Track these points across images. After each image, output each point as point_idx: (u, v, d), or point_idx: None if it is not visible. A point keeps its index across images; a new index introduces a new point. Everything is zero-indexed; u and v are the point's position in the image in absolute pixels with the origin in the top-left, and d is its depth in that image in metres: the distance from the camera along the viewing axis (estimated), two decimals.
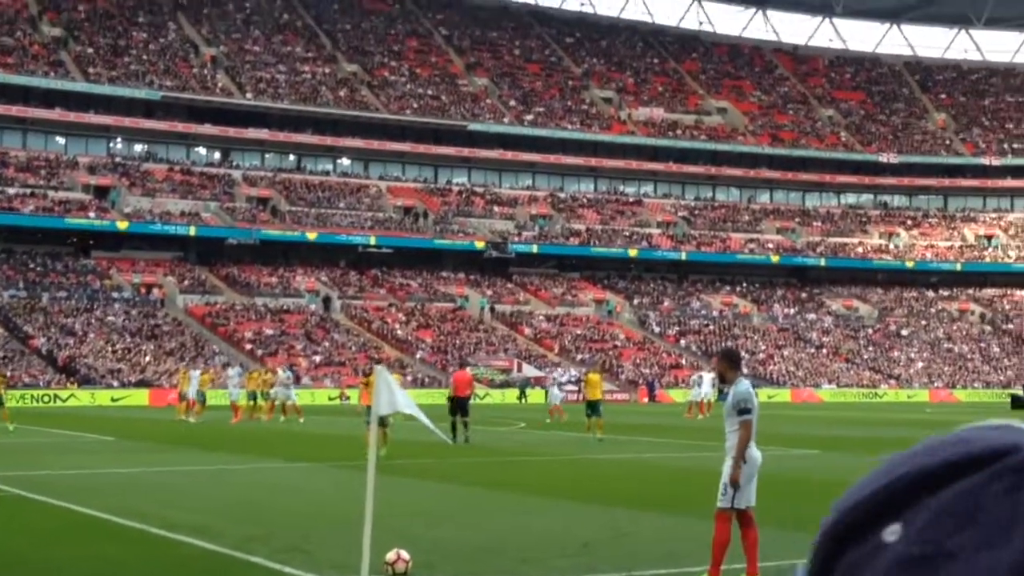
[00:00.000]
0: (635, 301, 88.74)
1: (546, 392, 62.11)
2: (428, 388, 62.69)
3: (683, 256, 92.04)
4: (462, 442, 26.49)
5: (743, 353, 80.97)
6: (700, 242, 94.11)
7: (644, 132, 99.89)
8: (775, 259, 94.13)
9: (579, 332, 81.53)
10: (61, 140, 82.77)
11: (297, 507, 15.79)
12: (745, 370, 10.31)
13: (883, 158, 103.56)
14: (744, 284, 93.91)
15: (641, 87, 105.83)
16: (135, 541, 12.53)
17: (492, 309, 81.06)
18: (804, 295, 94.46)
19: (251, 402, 40.34)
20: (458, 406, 27.85)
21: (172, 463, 22.64)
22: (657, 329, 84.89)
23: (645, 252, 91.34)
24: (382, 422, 33.76)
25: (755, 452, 9.95)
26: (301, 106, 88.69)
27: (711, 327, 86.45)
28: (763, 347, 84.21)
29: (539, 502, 15.87)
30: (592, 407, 30.49)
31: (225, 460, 23.39)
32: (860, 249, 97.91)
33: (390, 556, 10.16)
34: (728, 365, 10.35)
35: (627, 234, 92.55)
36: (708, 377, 36.21)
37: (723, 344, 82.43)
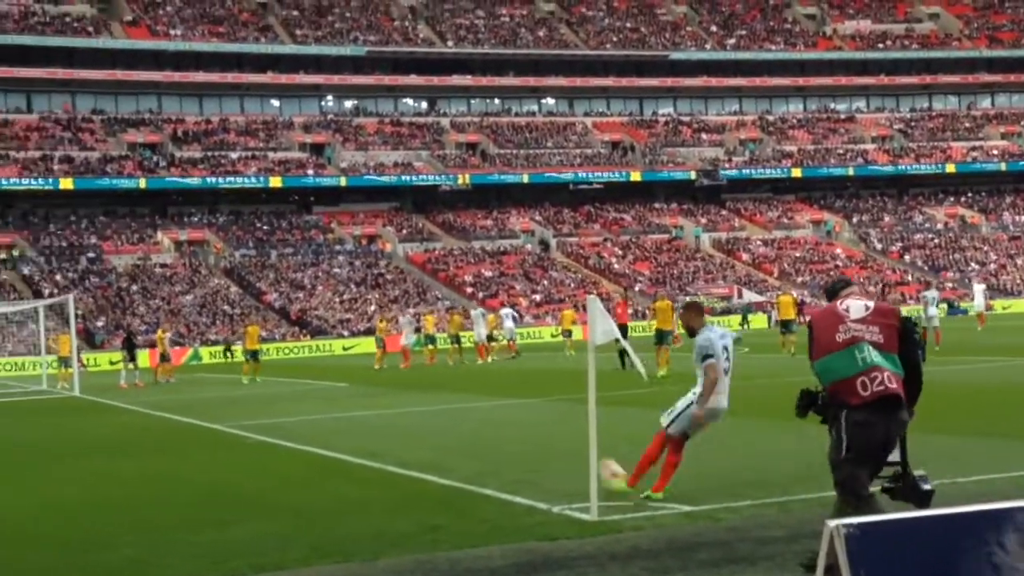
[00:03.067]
0: (854, 219, 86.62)
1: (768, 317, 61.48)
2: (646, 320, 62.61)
3: (903, 170, 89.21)
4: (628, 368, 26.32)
5: (973, 264, 78.42)
6: (919, 154, 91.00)
7: (852, 46, 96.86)
8: (1002, 166, 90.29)
9: (798, 255, 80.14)
10: (276, 102, 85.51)
11: (524, 441, 16.14)
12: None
13: None
14: (969, 194, 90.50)
15: (846, 0, 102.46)
16: (372, 480, 13.05)
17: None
18: None
19: (454, 344, 40.44)
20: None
21: (401, 405, 23.38)
22: (879, 246, 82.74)
23: (861, 169, 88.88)
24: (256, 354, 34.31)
25: (722, 401, 10.48)
26: (502, 49, 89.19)
27: (936, 240, 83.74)
28: (994, 257, 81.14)
29: (763, 424, 15.83)
30: (785, 326, 32.94)
31: (452, 400, 24.02)
32: None
33: (607, 471, 10.37)
34: (694, 315, 10.88)
35: (841, 152, 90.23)
36: (932, 295, 33.87)
37: (950, 257, 79.84)
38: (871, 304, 7.41)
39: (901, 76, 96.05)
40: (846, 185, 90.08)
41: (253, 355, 35.81)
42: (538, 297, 70.24)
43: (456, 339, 40.76)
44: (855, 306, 7.42)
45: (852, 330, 7.25)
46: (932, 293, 34.31)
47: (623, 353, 27.46)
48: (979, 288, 44.70)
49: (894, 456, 7.36)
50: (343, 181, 78.93)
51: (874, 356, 7.17)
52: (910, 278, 76.74)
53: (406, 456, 14.63)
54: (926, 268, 79.08)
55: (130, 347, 37.81)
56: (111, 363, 51.25)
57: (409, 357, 39.25)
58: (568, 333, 43.38)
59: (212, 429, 20.40)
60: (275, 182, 77.36)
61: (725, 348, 10.46)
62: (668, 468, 10.63)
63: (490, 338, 41.74)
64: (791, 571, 7.58)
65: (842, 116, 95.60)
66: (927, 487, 7.36)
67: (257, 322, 46.21)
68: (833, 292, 7.88)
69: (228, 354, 54.75)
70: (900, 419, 7.24)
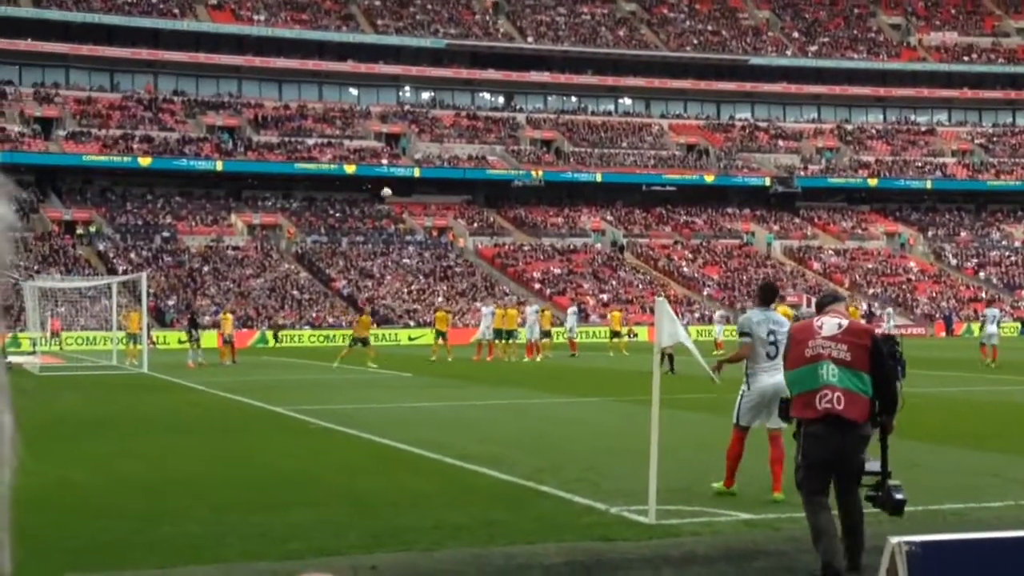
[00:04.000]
0: (929, 233, 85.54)
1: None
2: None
3: (982, 185, 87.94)
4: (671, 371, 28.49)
5: None
6: (999, 170, 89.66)
7: (936, 58, 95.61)
8: None
9: (870, 266, 79.30)
10: (354, 91, 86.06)
11: (585, 440, 16.13)
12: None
13: None
14: None
15: (932, 11, 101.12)
16: (433, 471, 13.11)
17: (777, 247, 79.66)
18: None
19: (507, 339, 40.02)
20: None
21: (465, 398, 23.46)
22: (954, 261, 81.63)
23: (939, 182, 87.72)
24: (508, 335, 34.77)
25: (766, 380, 10.74)
26: (581, 47, 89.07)
27: (1012, 258, 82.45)
28: None
29: None
30: None
31: (515, 395, 24.06)
32: None
33: None
34: (757, 295, 11.61)
35: (919, 164, 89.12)
36: (993, 314, 33.91)
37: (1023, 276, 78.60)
38: (844, 323, 7.97)
39: (985, 90, 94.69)
40: (923, 198, 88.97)
41: (363, 342, 36.81)
42: (606, 297, 70.11)
43: (510, 334, 40.54)
44: (828, 324, 7.98)
45: (819, 347, 7.83)
46: (993, 311, 34.80)
47: (670, 356, 28.60)
48: (993, 313, 43.07)
49: (874, 467, 7.88)
50: (417, 172, 79.25)
51: (834, 374, 7.73)
52: (984, 295, 75.60)
53: (467, 449, 14.68)
54: (1001, 285, 77.88)
55: (194, 327, 38.39)
56: (180, 342, 51.90)
57: (489, 349, 39.35)
58: (616, 334, 43.20)
59: (275, 412, 20.60)
60: (349, 170, 77.86)
61: (771, 332, 10.79)
62: (774, 464, 10.88)
63: (546, 334, 41.38)
64: None
65: (922, 128, 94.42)
66: (900, 496, 7.87)
67: (327, 308, 46.15)
68: (820, 306, 8.42)
69: (276, 338, 56.40)
70: (855, 435, 7.74)
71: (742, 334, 10.97)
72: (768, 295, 11.32)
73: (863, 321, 32.99)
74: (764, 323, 10.89)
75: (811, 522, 8.00)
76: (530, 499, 11.03)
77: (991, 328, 32.76)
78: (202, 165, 75.57)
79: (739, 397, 11.07)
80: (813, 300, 67.92)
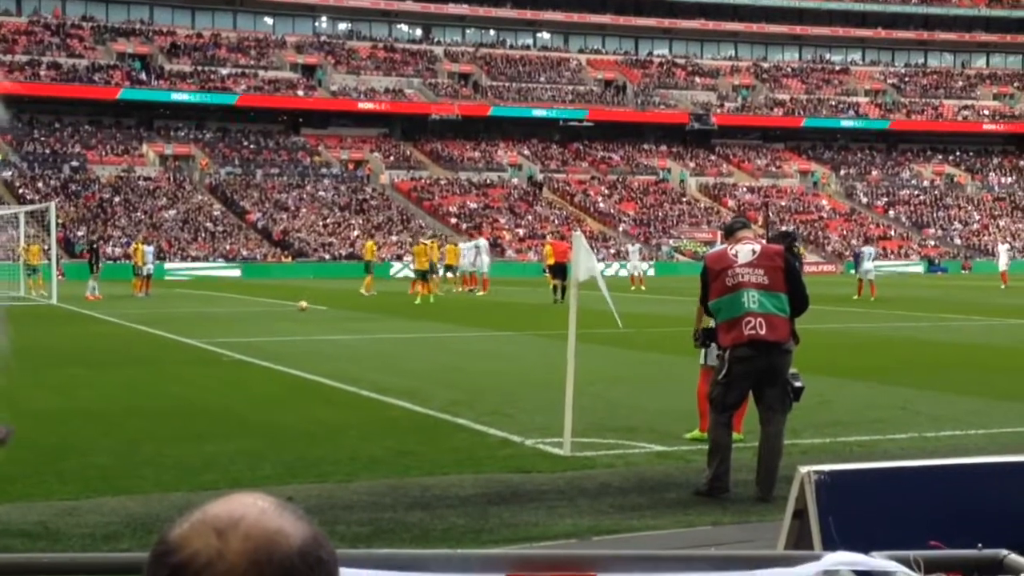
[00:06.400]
0: (841, 172, 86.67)
1: None
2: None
3: (892, 125, 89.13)
4: (560, 300, 30.54)
5: (956, 223, 78.62)
6: (910, 110, 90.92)
7: None
8: (992, 126, 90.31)
9: (783, 203, 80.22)
10: (269, 20, 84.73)
11: (501, 374, 16.23)
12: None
13: None
14: (957, 153, 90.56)
15: None
16: (348, 404, 13.12)
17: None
18: (1023, 163, 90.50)
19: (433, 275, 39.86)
20: (559, 271, 31.64)
21: (381, 331, 23.45)
22: (865, 200, 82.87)
23: (852, 122, 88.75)
24: (425, 275, 34.29)
25: None
26: None
27: (922, 197, 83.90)
28: (977, 217, 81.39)
29: None
30: None
31: (432, 329, 24.08)
32: None
33: None
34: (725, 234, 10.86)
35: (833, 103, 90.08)
36: (869, 251, 36.19)
37: (934, 214, 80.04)
38: (757, 248, 8.29)
39: (898, 30, 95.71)
40: (836, 137, 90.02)
41: (422, 275, 34.90)
42: (522, 232, 70.21)
43: (451, 268, 40.83)
44: (743, 251, 8.26)
45: (739, 275, 8.13)
46: (868, 249, 37.00)
47: (555, 288, 31.74)
48: (1003, 248, 47.34)
49: (800, 383, 8.26)
50: (332, 105, 78.43)
51: (755, 301, 8.09)
52: (893, 233, 76.97)
53: (382, 382, 14.69)
54: (909, 224, 79.28)
55: (95, 258, 37.83)
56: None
57: (483, 282, 39.36)
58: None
59: (189, 344, 20.43)
60: (264, 101, 76.79)
61: None
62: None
63: (448, 269, 41.21)
64: (759, 513, 7.68)
65: (837, 67, 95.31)
66: (798, 384, 8.25)
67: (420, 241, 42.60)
68: (731, 231, 8.72)
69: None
70: (779, 353, 8.15)
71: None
72: (727, 231, 10.87)
73: None
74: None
75: (713, 437, 8.30)
76: (446, 431, 11.09)
77: (868, 264, 34.73)
78: (111, 93, 74.04)
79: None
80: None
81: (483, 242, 42.26)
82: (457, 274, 41.45)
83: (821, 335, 20.98)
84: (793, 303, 8.23)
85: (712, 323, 8.76)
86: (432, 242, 40.29)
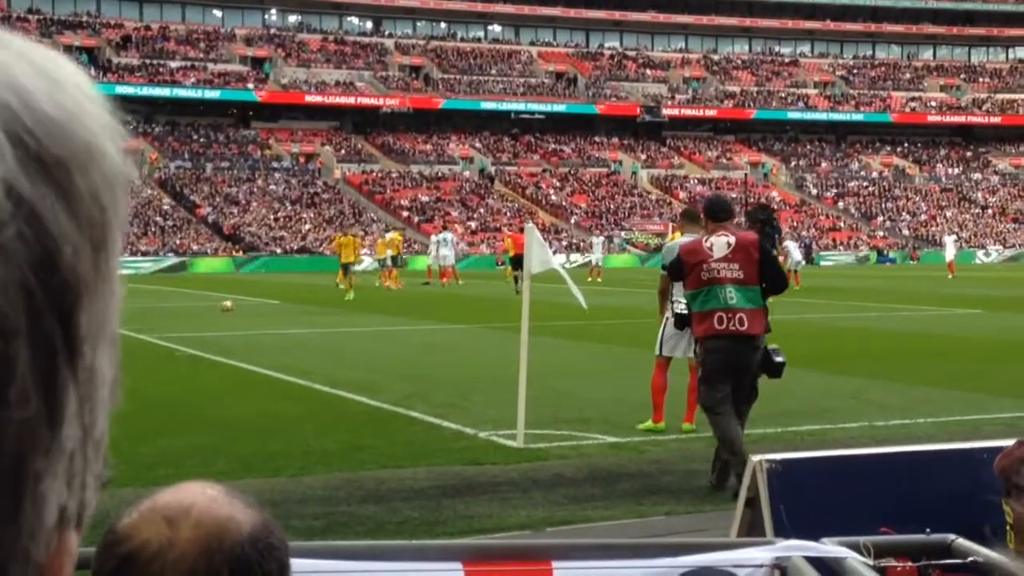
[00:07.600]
0: (791, 163, 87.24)
1: None
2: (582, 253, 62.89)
3: (841, 117, 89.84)
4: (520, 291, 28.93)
5: (904, 214, 79.38)
6: (859, 102, 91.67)
7: None
8: (938, 118, 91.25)
9: (734, 195, 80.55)
10: (218, 12, 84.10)
11: (455, 366, 16.23)
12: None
13: None
14: (905, 144, 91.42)
15: None
16: (302, 397, 13.08)
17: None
18: (969, 154, 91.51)
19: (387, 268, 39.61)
20: (520, 263, 30.30)
21: (334, 325, 23.37)
22: (814, 191, 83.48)
23: (802, 113, 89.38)
24: (347, 268, 33.86)
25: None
26: None
27: (871, 188, 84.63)
28: (925, 208, 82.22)
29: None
30: None
31: (384, 322, 24.03)
32: None
33: None
34: (683, 222, 10.83)
35: (783, 95, 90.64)
36: (792, 245, 40.34)
37: (883, 205, 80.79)
38: (732, 240, 8.15)
39: (847, 22, 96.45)
40: (786, 129, 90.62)
41: (393, 261, 35.96)
42: (474, 225, 70.18)
43: (391, 261, 40.22)
44: (718, 244, 8.16)
45: (714, 270, 8.08)
46: (791, 243, 41.21)
47: (516, 279, 29.70)
48: (950, 239, 49.86)
49: (781, 358, 8.25)
50: (283, 98, 78.01)
51: (732, 297, 8.07)
52: (843, 224, 77.59)
53: (336, 375, 14.66)
54: (858, 215, 79.95)
55: None
56: None
57: (455, 275, 39.23)
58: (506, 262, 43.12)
59: (141, 340, 20.27)
60: (213, 94, 76.27)
61: None
62: (690, 395, 10.32)
63: (394, 261, 40.52)
64: (712, 502, 7.74)
65: (786, 59, 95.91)
66: (779, 359, 8.22)
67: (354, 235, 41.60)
68: (714, 216, 8.42)
69: None
70: (754, 346, 8.13)
71: (663, 267, 10.32)
72: (685, 220, 10.77)
73: None
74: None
75: (722, 433, 8.09)
76: (400, 424, 11.09)
77: (797, 256, 38.87)
78: None
79: (661, 328, 10.45)
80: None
81: (447, 235, 41.87)
82: (382, 268, 40.35)
83: (775, 325, 21.11)
84: (771, 288, 8.33)
85: (683, 307, 8.75)
86: (352, 236, 38.48)
